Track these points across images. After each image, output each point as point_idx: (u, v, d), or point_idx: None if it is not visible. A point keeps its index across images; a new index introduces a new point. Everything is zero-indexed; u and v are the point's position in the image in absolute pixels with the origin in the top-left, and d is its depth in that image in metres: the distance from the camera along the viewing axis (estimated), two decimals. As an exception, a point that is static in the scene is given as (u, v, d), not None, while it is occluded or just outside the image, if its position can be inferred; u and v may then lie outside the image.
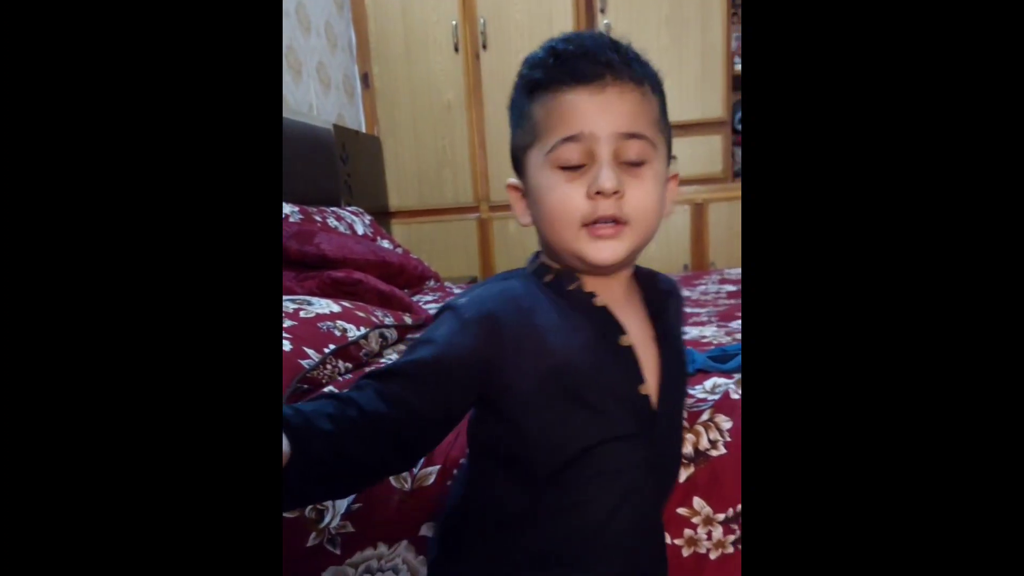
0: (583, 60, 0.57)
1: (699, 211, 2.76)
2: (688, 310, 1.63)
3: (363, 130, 2.82)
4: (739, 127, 2.84)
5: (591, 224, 0.57)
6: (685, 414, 0.80)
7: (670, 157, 0.63)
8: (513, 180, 0.64)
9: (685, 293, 1.89)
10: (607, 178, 0.55)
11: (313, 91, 2.41)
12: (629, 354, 0.60)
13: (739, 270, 2.21)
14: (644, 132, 0.57)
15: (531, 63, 0.60)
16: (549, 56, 0.58)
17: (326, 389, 1.01)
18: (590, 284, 0.61)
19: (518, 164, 0.63)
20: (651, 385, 0.61)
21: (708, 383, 0.88)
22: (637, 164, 0.57)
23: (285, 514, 0.79)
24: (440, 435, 0.58)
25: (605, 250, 0.57)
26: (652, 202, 0.58)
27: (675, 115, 2.76)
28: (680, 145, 2.74)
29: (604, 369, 0.59)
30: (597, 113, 0.56)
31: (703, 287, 1.97)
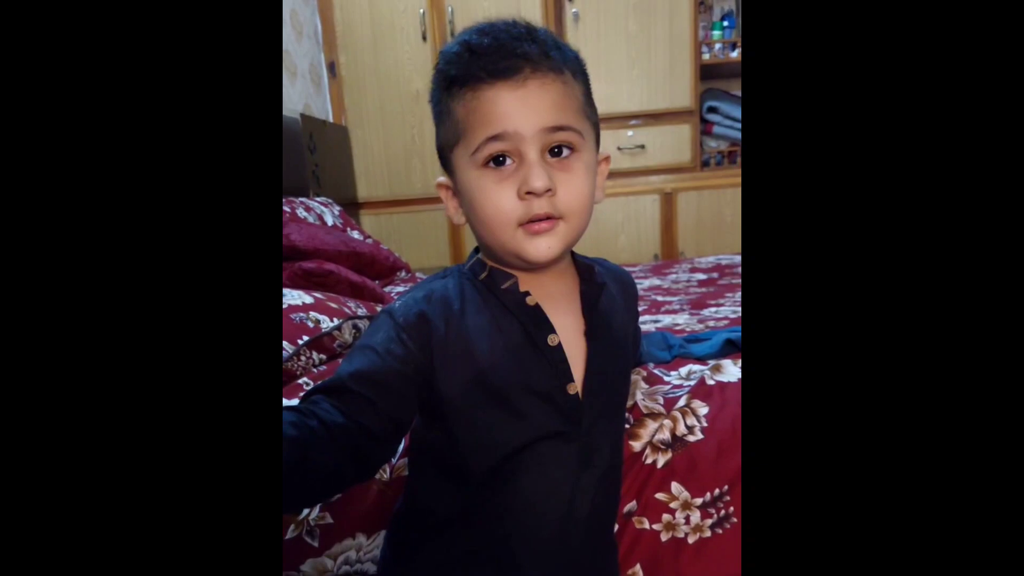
0: (499, 54, 0.55)
1: (668, 200, 2.79)
2: (660, 298, 1.64)
3: (330, 120, 2.77)
4: (707, 116, 2.87)
5: (527, 223, 0.56)
6: (659, 401, 0.81)
7: (598, 142, 0.62)
8: (442, 179, 0.63)
9: (656, 282, 1.91)
10: (537, 177, 0.54)
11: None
12: (557, 353, 0.59)
13: (709, 259, 2.24)
14: (570, 123, 0.56)
15: (447, 58, 0.58)
16: (464, 51, 0.57)
17: (300, 380, 1.00)
18: (525, 281, 0.61)
19: (445, 161, 0.61)
20: (579, 381, 0.60)
21: (683, 370, 0.89)
22: (566, 157, 0.57)
23: None
24: (393, 445, 0.58)
25: (542, 247, 0.57)
26: (584, 194, 0.58)
27: (644, 104, 2.79)
28: (648, 134, 2.76)
29: (530, 370, 0.59)
30: (519, 109, 0.54)
31: (674, 276, 1.99)
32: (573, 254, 0.66)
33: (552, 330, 0.60)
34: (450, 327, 0.58)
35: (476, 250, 0.65)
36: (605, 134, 2.80)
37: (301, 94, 2.55)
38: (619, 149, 2.76)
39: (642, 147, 2.76)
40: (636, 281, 2.03)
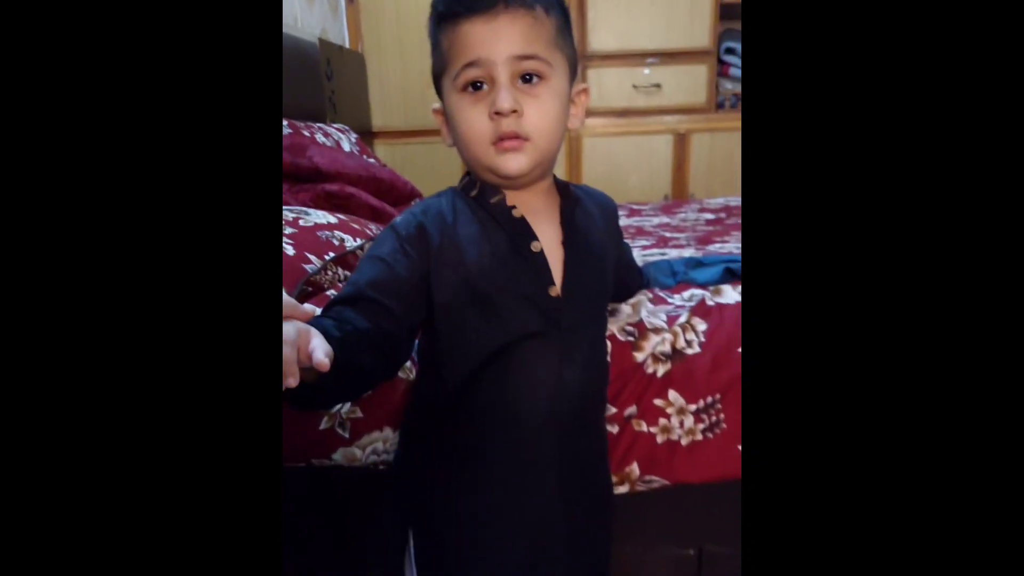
0: None
1: (681, 141, 2.80)
2: (667, 235, 1.70)
3: (347, 46, 2.76)
4: (724, 58, 2.85)
5: (497, 141, 0.64)
6: (662, 317, 0.88)
7: (574, 74, 0.69)
8: (437, 105, 0.70)
9: (664, 220, 1.96)
10: (503, 99, 0.62)
11: (297, 3, 2.36)
12: (540, 258, 0.67)
13: (719, 200, 2.27)
14: (537, 52, 0.63)
15: None
16: None
17: (328, 292, 1.07)
18: (511, 197, 0.68)
19: (438, 89, 0.69)
20: (559, 285, 0.68)
21: (686, 293, 0.95)
22: (535, 84, 0.64)
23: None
24: (409, 346, 0.67)
25: (511, 162, 0.64)
26: (550, 117, 0.65)
27: (661, 43, 2.76)
28: (664, 74, 2.75)
29: (515, 274, 0.66)
30: (491, 40, 0.62)
31: (683, 215, 2.03)
32: (554, 177, 0.74)
33: (535, 238, 0.67)
34: (444, 237, 0.66)
35: (467, 172, 0.72)
36: (620, 71, 2.80)
37: (319, 18, 2.54)
38: (634, 87, 2.76)
39: (658, 86, 2.76)
40: (645, 220, 2.07)
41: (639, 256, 1.29)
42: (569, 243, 0.69)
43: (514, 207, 0.68)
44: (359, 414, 0.87)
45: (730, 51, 2.85)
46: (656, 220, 1.96)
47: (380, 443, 0.87)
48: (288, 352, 0.43)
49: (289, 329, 0.45)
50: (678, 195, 2.84)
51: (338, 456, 0.88)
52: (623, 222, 1.88)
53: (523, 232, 0.67)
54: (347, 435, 0.87)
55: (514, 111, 0.62)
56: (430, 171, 2.86)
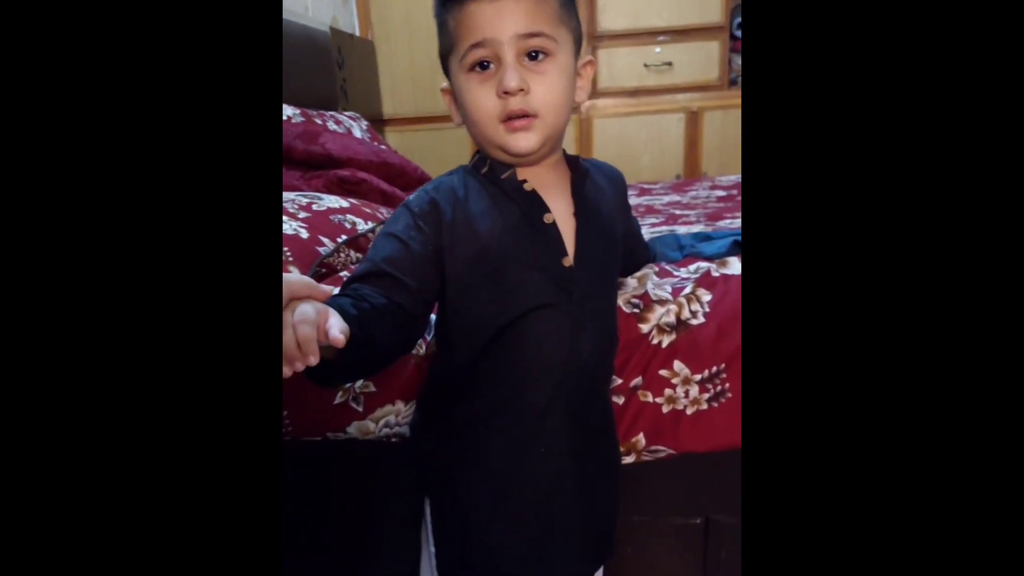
0: None
1: (693, 119, 2.78)
2: (677, 212, 1.70)
3: (357, 34, 2.78)
4: (737, 33, 2.82)
5: (506, 120, 0.65)
6: (667, 289, 0.90)
7: (578, 48, 0.70)
8: (445, 84, 0.71)
9: (675, 198, 1.96)
10: (510, 78, 0.63)
11: (307, -9, 2.37)
12: (552, 230, 0.68)
13: (731, 178, 2.26)
14: (542, 30, 0.64)
15: None
16: None
17: (341, 274, 1.09)
18: (521, 172, 0.70)
19: (446, 69, 0.70)
20: (571, 255, 0.69)
21: (692, 267, 0.96)
22: (541, 60, 0.65)
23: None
24: (425, 320, 0.68)
25: (521, 141, 0.65)
26: (557, 94, 0.66)
27: (671, 20, 2.74)
28: (675, 51, 2.73)
29: (528, 245, 0.67)
30: (496, 19, 0.62)
31: (694, 192, 2.03)
32: (564, 151, 0.75)
33: (547, 210, 0.69)
34: (456, 211, 0.67)
35: (477, 152, 0.73)
36: (631, 51, 2.78)
37: (328, 7, 2.55)
38: (645, 66, 2.74)
39: (669, 64, 2.74)
40: (655, 198, 2.07)
41: (647, 233, 1.30)
42: (580, 214, 0.71)
43: (525, 181, 0.69)
44: (372, 388, 0.89)
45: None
46: (666, 198, 1.96)
47: (393, 416, 0.90)
48: (308, 331, 0.45)
49: (308, 309, 0.46)
50: (690, 174, 2.83)
51: (352, 429, 0.91)
52: (633, 201, 1.88)
53: (535, 205, 0.68)
54: (361, 409, 0.90)
55: (521, 89, 0.63)
56: (439, 157, 2.86)
